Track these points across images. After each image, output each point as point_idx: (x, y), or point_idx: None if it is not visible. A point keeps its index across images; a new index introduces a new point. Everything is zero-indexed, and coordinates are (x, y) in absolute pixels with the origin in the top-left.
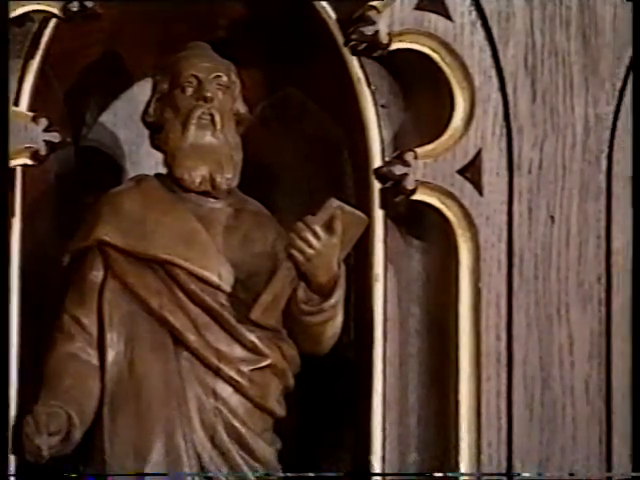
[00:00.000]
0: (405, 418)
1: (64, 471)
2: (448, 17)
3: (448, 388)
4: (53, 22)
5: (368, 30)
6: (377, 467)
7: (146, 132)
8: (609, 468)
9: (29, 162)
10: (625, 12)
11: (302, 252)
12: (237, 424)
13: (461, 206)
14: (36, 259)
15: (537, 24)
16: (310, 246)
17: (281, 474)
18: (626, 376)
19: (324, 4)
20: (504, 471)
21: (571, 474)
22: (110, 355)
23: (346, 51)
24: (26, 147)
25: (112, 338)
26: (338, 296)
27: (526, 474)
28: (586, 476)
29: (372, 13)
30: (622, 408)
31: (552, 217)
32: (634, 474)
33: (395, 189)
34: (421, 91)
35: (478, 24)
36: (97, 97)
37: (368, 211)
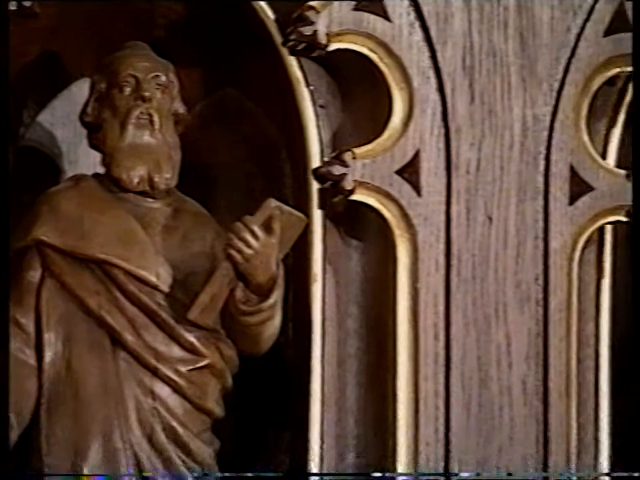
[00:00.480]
0: (343, 418)
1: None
2: (386, 18)
3: (386, 388)
4: None
5: (307, 30)
6: (315, 467)
7: (84, 132)
8: (545, 468)
9: None
10: (562, 13)
11: (240, 252)
12: (175, 424)
13: (399, 206)
14: None
15: (475, 25)
16: (248, 246)
17: (219, 474)
18: (563, 376)
19: (262, 4)
20: (442, 471)
21: (509, 474)
22: (47, 355)
23: (285, 51)
24: None
25: (49, 338)
26: (276, 296)
27: (464, 474)
28: (523, 476)
29: (311, 13)
30: (559, 408)
31: (490, 218)
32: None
33: (333, 189)
34: (360, 91)
35: (416, 25)
36: (35, 96)
37: (307, 211)
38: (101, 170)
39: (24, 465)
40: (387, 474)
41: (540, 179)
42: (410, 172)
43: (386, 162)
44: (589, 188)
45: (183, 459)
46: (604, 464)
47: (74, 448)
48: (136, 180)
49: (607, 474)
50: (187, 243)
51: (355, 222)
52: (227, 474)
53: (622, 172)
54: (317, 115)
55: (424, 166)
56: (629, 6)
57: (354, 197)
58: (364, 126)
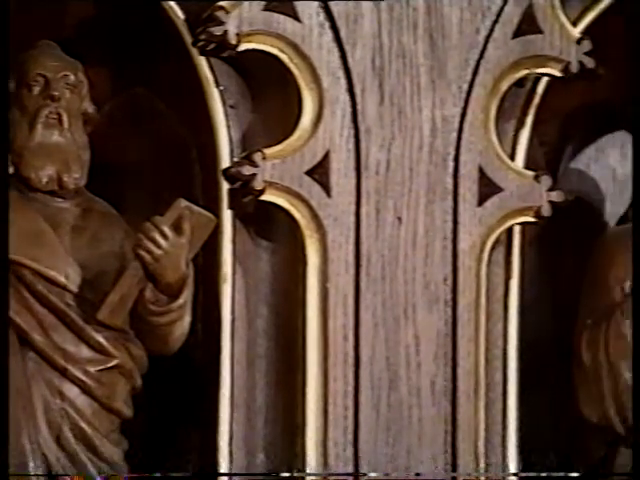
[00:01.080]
0: (252, 418)
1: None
2: (296, 18)
3: (295, 388)
4: None
5: (216, 30)
6: (224, 467)
7: None
8: (454, 468)
9: None
10: (471, 15)
11: (150, 252)
12: (83, 425)
13: (309, 207)
14: None
15: (385, 26)
16: (158, 246)
17: (127, 475)
18: (471, 376)
19: (172, 4)
20: (351, 471)
21: (417, 474)
22: None
23: (194, 51)
24: None
25: None
26: (186, 296)
27: (372, 474)
28: (432, 476)
29: (220, 13)
30: (467, 408)
31: (399, 218)
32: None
33: (243, 190)
34: (270, 92)
35: (326, 26)
36: None
37: (216, 211)
38: (10, 170)
39: None
40: (296, 474)
41: (449, 180)
42: (320, 173)
43: (296, 163)
44: (498, 189)
45: (92, 459)
46: (512, 464)
47: None
48: (45, 180)
49: (515, 474)
50: (96, 243)
51: (265, 222)
52: (136, 475)
53: (530, 173)
54: (227, 115)
55: (334, 167)
56: (538, 8)
57: (264, 197)
58: (274, 126)
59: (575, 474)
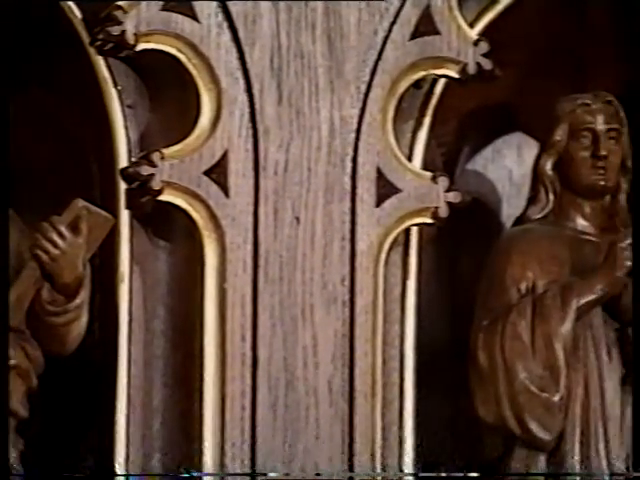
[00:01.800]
0: (149, 419)
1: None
2: (195, 18)
3: (193, 389)
4: None
5: (114, 30)
6: (121, 468)
7: None
8: (351, 468)
9: None
10: (369, 16)
11: (47, 252)
12: None
13: (207, 207)
14: None
15: (283, 26)
16: (55, 246)
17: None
18: (368, 377)
19: (70, 3)
20: (248, 471)
21: (317, 474)
22: None
23: (92, 51)
24: None
25: None
26: (83, 296)
27: (270, 474)
28: (329, 476)
29: (118, 13)
30: (364, 408)
31: (297, 219)
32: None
33: (141, 190)
34: (168, 92)
35: (224, 26)
36: None
37: (114, 211)
38: None
39: None
40: (193, 474)
41: (347, 180)
42: (218, 173)
43: (194, 163)
44: (395, 190)
45: None
46: (408, 464)
47: None
48: None
49: (412, 474)
50: None
51: (163, 222)
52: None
53: (428, 174)
54: (125, 115)
55: (232, 167)
56: (435, 10)
57: (162, 197)
58: (172, 126)
59: (472, 474)
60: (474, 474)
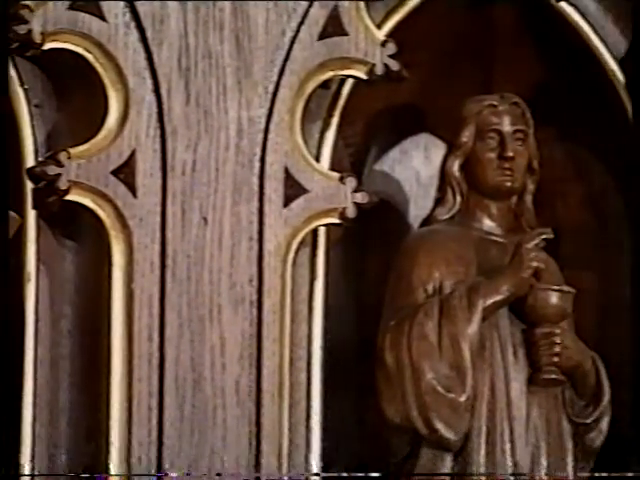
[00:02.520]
0: (56, 419)
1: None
2: (102, 18)
3: (100, 389)
4: None
5: (21, 29)
6: (27, 468)
7: None
8: (258, 468)
9: None
10: (277, 16)
11: None
12: None
13: (114, 207)
14: None
15: (191, 26)
16: None
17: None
18: (276, 377)
19: None
20: (154, 471)
21: (218, 474)
22: None
23: None
24: None
25: None
26: None
27: (176, 474)
28: (235, 476)
29: (25, 12)
30: (271, 409)
31: (205, 219)
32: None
33: (48, 189)
34: (75, 91)
35: (132, 25)
36: None
37: (21, 211)
38: None
39: None
40: (98, 474)
41: (255, 181)
42: (126, 173)
43: (101, 162)
44: (303, 190)
45: None
46: (315, 464)
47: None
48: None
49: (317, 474)
50: None
51: (70, 222)
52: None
53: (335, 175)
54: (32, 115)
55: (140, 167)
56: (343, 11)
57: (69, 197)
58: (80, 126)
59: (379, 474)
60: (380, 474)
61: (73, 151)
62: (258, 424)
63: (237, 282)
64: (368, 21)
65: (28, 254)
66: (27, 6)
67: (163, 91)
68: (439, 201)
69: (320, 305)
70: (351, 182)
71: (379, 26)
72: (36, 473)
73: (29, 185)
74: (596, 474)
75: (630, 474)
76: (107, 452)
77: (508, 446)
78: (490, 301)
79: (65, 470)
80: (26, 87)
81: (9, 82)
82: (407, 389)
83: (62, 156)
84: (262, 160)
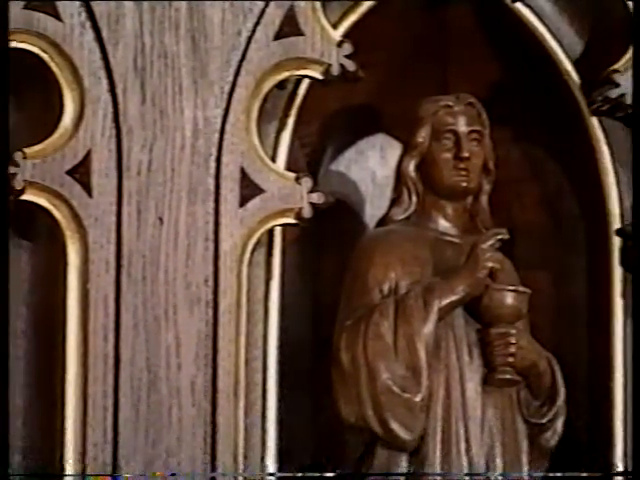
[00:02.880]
0: (10, 419)
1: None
2: (57, 17)
3: (55, 390)
4: None
5: None
6: None
7: None
8: (213, 468)
9: None
10: (233, 16)
11: None
12: None
13: (70, 207)
14: None
15: (147, 26)
16: None
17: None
18: (231, 377)
19: None
20: (109, 472)
21: (173, 474)
22: None
23: None
24: None
25: None
26: None
27: (131, 475)
28: (191, 476)
29: None
30: (227, 409)
31: (161, 219)
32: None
33: None
34: (31, 91)
35: (88, 25)
36: None
37: None
38: None
39: None
40: (55, 474)
41: (211, 181)
42: (81, 172)
43: (57, 162)
44: (259, 190)
45: None
46: (271, 464)
47: None
48: None
49: (272, 474)
50: None
51: (25, 222)
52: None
53: (291, 175)
54: None
55: (95, 167)
56: (299, 11)
57: (24, 197)
58: (35, 126)
59: (334, 474)
60: (336, 474)
61: (29, 151)
62: (213, 424)
63: (193, 282)
64: (324, 21)
65: None
66: None
67: (119, 91)
68: (395, 201)
69: (276, 305)
70: (307, 182)
71: (335, 26)
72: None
73: None
74: (551, 474)
75: (584, 474)
76: (62, 453)
77: (463, 446)
78: (446, 301)
79: (21, 471)
80: None
81: None
82: (363, 389)
83: (17, 156)
84: (218, 160)
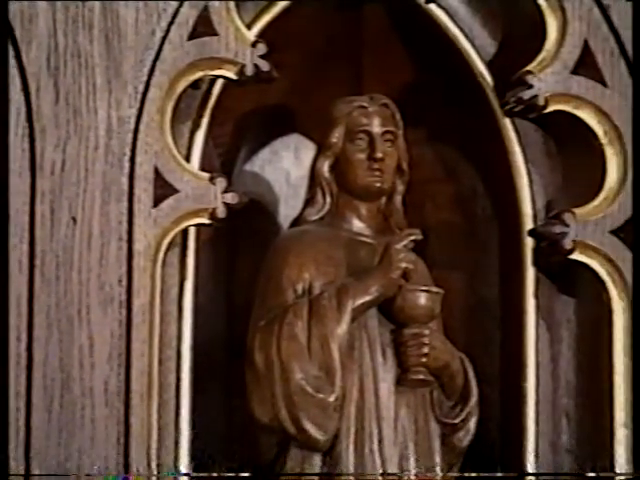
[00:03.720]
0: None
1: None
2: None
3: None
4: None
5: None
6: None
7: None
8: (127, 469)
9: None
10: (147, 16)
11: None
12: None
13: None
14: None
15: (60, 25)
16: None
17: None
18: (145, 377)
19: None
20: (22, 472)
21: (88, 475)
22: None
23: None
24: None
25: None
26: None
27: (43, 475)
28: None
29: None
30: (140, 409)
31: (74, 219)
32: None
33: None
34: None
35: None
36: None
37: None
38: None
39: None
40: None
41: (125, 181)
42: None
43: None
44: (173, 190)
45: None
46: (184, 465)
47: None
48: None
49: (186, 474)
50: None
51: None
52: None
53: (205, 175)
54: None
55: (9, 166)
56: (213, 11)
57: None
58: None
59: (248, 474)
60: (249, 474)
61: None
62: (127, 424)
63: (106, 282)
64: (238, 21)
65: None
66: None
67: (32, 90)
68: (309, 202)
69: (190, 305)
70: (221, 182)
71: (249, 26)
72: None
73: None
74: (464, 474)
75: (499, 474)
76: None
77: (376, 446)
78: (359, 302)
79: None
80: None
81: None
82: (276, 389)
83: None
84: (132, 160)
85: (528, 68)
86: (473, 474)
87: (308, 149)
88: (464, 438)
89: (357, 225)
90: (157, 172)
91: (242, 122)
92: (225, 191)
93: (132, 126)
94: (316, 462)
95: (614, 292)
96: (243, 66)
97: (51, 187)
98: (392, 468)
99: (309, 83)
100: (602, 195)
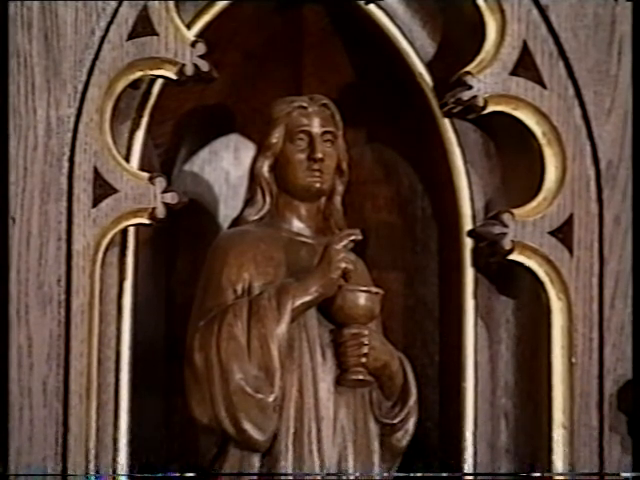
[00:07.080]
0: None
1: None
2: None
3: None
4: None
5: None
6: None
7: None
8: (65, 469)
9: None
10: (86, 16)
11: None
12: None
13: None
14: None
15: None
16: None
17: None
18: (83, 377)
19: None
20: None
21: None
22: None
23: None
24: None
25: None
26: None
27: None
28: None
29: None
30: (79, 409)
31: (13, 218)
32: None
33: None
34: None
35: None
36: None
37: None
38: None
39: None
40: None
41: (64, 181)
42: None
43: None
44: (112, 190)
45: None
46: (122, 465)
47: None
48: None
49: (126, 475)
50: None
51: None
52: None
53: (145, 175)
54: None
55: None
56: (152, 11)
57: None
58: None
59: (187, 475)
60: (188, 474)
61: None
62: (65, 425)
63: (45, 282)
64: (178, 21)
65: None
66: None
67: None
68: (249, 202)
69: (129, 305)
70: (161, 182)
71: (189, 26)
72: None
73: None
74: (402, 474)
75: (443, 474)
76: None
77: (315, 446)
78: (299, 302)
79: None
80: None
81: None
82: (216, 390)
83: None
84: (71, 160)
85: (467, 69)
86: (411, 474)
87: (248, 149)
88: (403, 438)
89: (297, 225)
90: (96, 172)
91: (182, 122)
92: (165, 191)
93: (71, 126)
94: (255, 462)
95: (552, 292)
96: (183, 66)
97: None
98: (331, 468)
99: (249, 83)
100: (541, 196)
